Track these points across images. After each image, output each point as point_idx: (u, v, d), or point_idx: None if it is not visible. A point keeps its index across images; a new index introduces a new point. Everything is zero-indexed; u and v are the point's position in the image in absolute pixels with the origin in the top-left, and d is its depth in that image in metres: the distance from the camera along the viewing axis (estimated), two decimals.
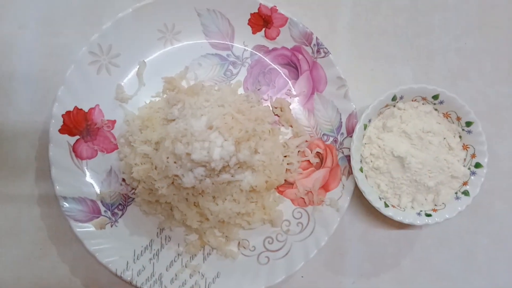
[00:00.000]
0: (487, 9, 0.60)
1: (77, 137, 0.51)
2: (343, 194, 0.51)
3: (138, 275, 0.49)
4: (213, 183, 0.46)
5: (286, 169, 0.52)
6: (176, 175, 0.45)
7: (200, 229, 0.50)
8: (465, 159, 0.51)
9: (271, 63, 0.55)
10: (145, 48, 0.53)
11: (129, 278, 0.48)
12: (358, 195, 0.52)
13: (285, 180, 0.52)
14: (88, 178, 0.50)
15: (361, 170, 0.50)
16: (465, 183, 0.51)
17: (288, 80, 0.55)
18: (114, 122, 0.52)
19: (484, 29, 0.60)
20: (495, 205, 0.57)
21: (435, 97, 0.50)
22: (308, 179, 0.53)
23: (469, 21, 0.60)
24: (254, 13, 0.53)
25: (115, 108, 0.52)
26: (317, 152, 0.53)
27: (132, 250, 0.50)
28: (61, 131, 0.50)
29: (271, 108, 0.54)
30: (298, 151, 0.53)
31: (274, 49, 0.55)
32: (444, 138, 0.51)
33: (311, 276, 0.53)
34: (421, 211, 0.51)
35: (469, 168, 0.51)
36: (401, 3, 0.59)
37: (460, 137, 0.52)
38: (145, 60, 0.53)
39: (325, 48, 0.52)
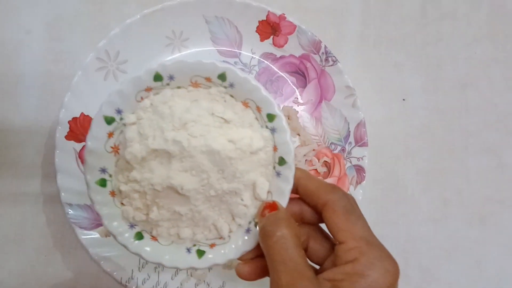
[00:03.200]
0: (497, 18, 0.60)
1: (84, 143, 0.50)
2: None
3: (143, 284, 0.48)
4: None
5: None
6: None
7: None
8: (256, 118, 0.34)
9: (278, 71, 0.55)
10: (153, 55, 0.53)
11: (134, 287, 0.48)
12: (366, 205, 0.51)
13: None
14: None
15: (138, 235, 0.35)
16: (275, 149, 0.34)
17: (295, 88, 0.55)
18: None
19: (493, 38, 0.59)
20: (504, 215, 0.56)
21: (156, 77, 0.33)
22: None
23: (478, 30, 0.60)
24: (262, 20, 0.53)
25: None
26: (325, 161, 0.53)
27: (137, 259, 0.49)
28: (68, 137, 0.49)
29: None
30: (306, 160, 0.53)
31: (282, 57, 0.54)
32: (212, 114, 0.33)
33: None
34: (249, 226, 0.34)
35: (263, 126, 0.34)
36: (410, 12, 0.59)
37: (231, 96, 0.34)
38: None
39: (334, 56, 0.52)
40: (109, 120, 0.33)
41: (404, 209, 0.55)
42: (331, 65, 0.52)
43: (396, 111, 0.57)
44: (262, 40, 0.54)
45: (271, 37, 0.54)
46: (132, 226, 0.34)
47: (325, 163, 0.53)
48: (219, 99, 0.34)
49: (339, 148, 0.53)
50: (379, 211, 0.54)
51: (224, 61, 0.54)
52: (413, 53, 0.58)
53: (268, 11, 0.52)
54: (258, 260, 0.33)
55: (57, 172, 0.48)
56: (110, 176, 0.34)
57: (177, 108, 0.33)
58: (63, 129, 0.49)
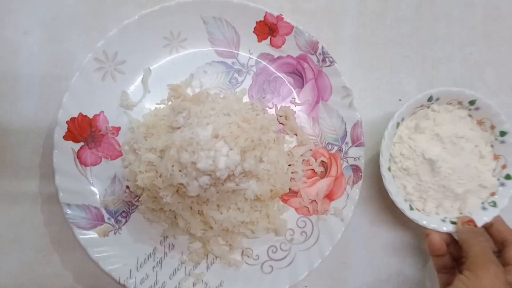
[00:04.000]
0: (492, 19, 0.60)
1: (82, 143, 0.50)
2: (348, 203, 0.51)
3: (141, 283, 0.48)
4: (217, 192, 0.46)
5: (291, 178, 0.52)
6: (181, 184, 0.45)
7: (204, 237, 0.50)
8: (494, 169, 0.50)
9: (276, 72, 0.55)
10: (150, 55, 0.53)
11: (132, 286, 0.48)
12: (362, 204, 0.52)
13: (289, 189, 0.52)
14: (92, 185, 0.50)
15: (389, 169, 0.50)
16: (493, 194, 0.50)
17: (293, 88, 0.55)
18: (118, 129, 0.52)
19: (488, 39, 0.60)
20: None
21: (472, 102, 0.50)
22: (312, 188, 0.53)
23: (473, 31, 0.60)
24: (260, 21, 0.53)
25: (120, 115, 0.52)
26: (322, 161, 0.53)
27: (135, 258, 0.49)
28: (66, 137, 0.49)
29: (275, 116, 0.54)
30: (303, 160, 0.53)
31: (279, 58, 0.55)
32: (476, 146, 0.50)
33: (315, 285, 0.53)
34: (445, 217, 0.50)
35: (498, 179, 0.50)
36: (406, 13, 0.60)
37: (491, 146, 0.51)
38: (150, 67, 0.53)
39: (331, 57, 0.52)
40: (397, 125, 0.50)
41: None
42: (328, 66, 0.53)
43: (393, 112, 0.57)
44: (259, 40, 0.54)
45: (269, 37, 0.54)
46: (405, 201, 0.50)
47: (322, 163, 0.53)
48: (463, 119, 0.51)
49: (336, 148, 0.53)
50: (375, 210, 0.55)
51: (222, 61, 0.54)
52: (409, 54, 0.59)
53: (266, 12, 0.52)
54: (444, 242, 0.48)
55: (55, 172, 0.48)
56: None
57: (445, 128, 0.50)
58: (61, 129, 0.49)
